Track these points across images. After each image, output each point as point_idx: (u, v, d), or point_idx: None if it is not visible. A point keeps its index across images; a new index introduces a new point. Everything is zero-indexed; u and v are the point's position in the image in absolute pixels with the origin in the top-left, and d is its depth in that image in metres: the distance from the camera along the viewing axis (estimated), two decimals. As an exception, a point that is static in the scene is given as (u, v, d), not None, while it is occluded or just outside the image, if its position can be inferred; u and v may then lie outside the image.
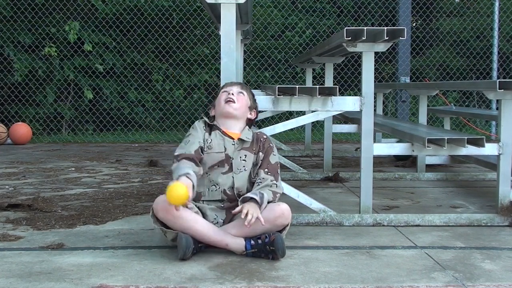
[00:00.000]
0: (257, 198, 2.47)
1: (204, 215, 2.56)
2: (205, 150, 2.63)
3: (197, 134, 2.66)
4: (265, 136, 2.75)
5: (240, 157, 2.65)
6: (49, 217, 3.15)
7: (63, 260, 2.41)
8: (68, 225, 3.00)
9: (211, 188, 2.62)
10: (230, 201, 2.61)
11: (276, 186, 2.61)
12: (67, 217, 3.16)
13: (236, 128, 2.70)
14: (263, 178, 2.61)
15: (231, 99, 2.68)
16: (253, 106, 2.79)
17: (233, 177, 2.62)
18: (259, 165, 2.67)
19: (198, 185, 2.54)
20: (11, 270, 2.28)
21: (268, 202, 2.53)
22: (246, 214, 2.38)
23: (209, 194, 2.62)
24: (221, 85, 2.85)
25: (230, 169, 2.63)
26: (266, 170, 2.64)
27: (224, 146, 2.65)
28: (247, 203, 2.45)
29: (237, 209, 2.45)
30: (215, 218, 2.58)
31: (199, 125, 2.71)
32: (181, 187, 2.34)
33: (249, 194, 2.50)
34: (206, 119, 2.74)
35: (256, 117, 2.82)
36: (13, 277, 2.20)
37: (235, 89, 2.73)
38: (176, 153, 2.61)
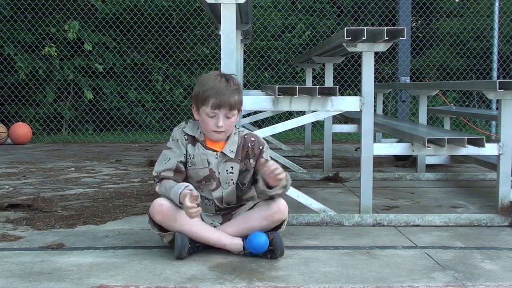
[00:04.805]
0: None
1: (201, 219, 2.55)
2: (188, 165, 2.53)
3: (179, 150, 2.52)
4: (253, 139, 2.58)
5: (227, 170, 2.54)
6: (49, 217, 3.15)
7: (63, 260, 2.41)
8: (68, 225, 3.00)
9: (205, 202, 2.57)
10: (223, 210, 2.61)
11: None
12: (67, 217, 3.16)
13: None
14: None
15: (219, 131, 2.48)
16: (240, 109, 2.54)
17: (222, 192, 2.56)
18: (255, 173, 2.55)
19: None
20: (11, 270, 2.28)
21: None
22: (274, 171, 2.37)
23: (204, 208, 2.53)
24: (205, 94, 2.46)
25: (218, 184, 2.55)
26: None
27: (208, 161, 2.53)
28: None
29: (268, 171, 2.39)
30: (211, 223, 2.56)
31: (180, 136, 2.54)
32: None
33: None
34: (187, 130, 2.56)
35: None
36: (13, 277, 2.20)
37: (222, 116, 2.46)
38: (155, 173, 2.50)
